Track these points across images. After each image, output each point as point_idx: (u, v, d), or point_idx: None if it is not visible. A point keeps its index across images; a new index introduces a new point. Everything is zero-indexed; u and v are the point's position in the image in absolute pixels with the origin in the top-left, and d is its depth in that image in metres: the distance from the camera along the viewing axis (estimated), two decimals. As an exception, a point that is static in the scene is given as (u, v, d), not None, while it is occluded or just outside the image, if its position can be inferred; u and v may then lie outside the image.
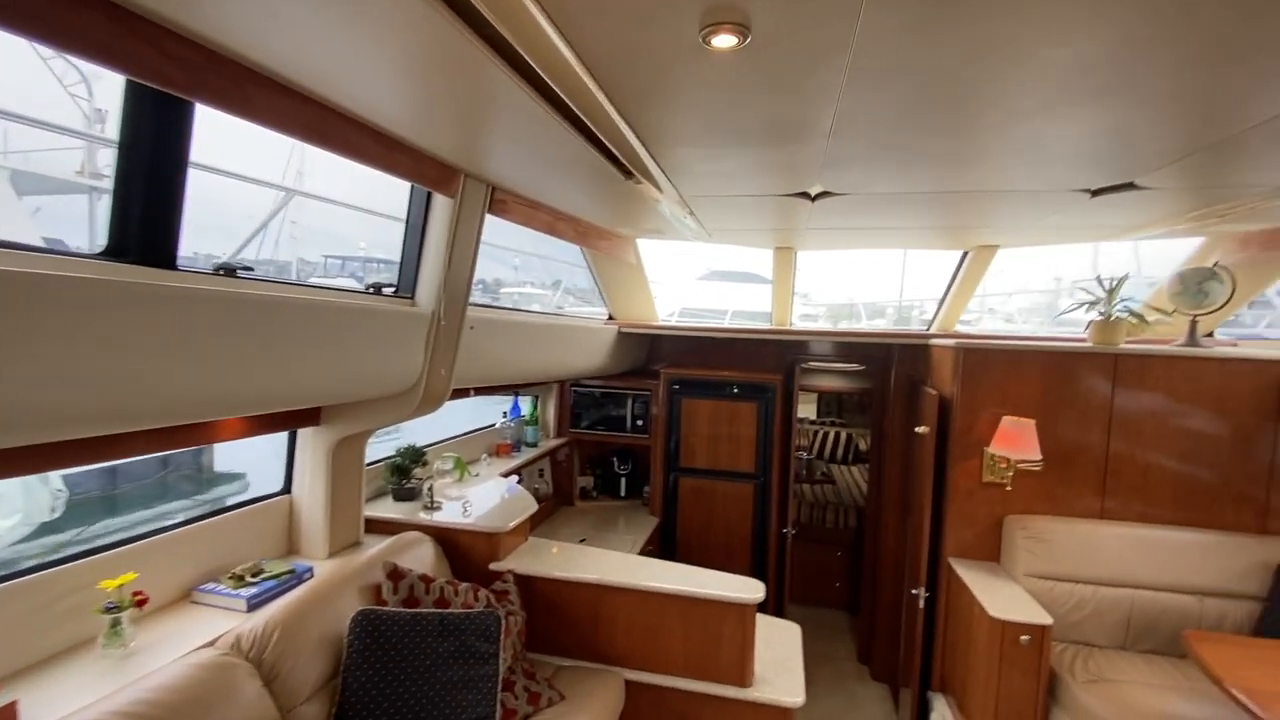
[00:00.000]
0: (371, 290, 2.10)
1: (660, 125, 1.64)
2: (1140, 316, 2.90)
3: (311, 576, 2.11)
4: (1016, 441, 2.71)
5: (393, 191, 2.17)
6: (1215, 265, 2.86)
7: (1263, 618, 2.43)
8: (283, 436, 2.33)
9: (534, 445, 3.82)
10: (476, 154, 1.88)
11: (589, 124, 1.56)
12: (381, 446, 2.82)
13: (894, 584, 3.91)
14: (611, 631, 2.33)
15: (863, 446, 6.21)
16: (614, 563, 2.48)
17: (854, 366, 5.16)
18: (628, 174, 2.05)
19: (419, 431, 2.96)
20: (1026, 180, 2.09)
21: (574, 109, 1.46)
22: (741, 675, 2.22)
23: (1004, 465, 2.84)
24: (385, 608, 1.93)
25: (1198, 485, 2.71)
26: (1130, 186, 2.05)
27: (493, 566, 2.40)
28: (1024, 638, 2.36)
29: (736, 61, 1.24)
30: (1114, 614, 2.59)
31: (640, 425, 4.02)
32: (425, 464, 2.86)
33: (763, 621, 2.47)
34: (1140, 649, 2.56)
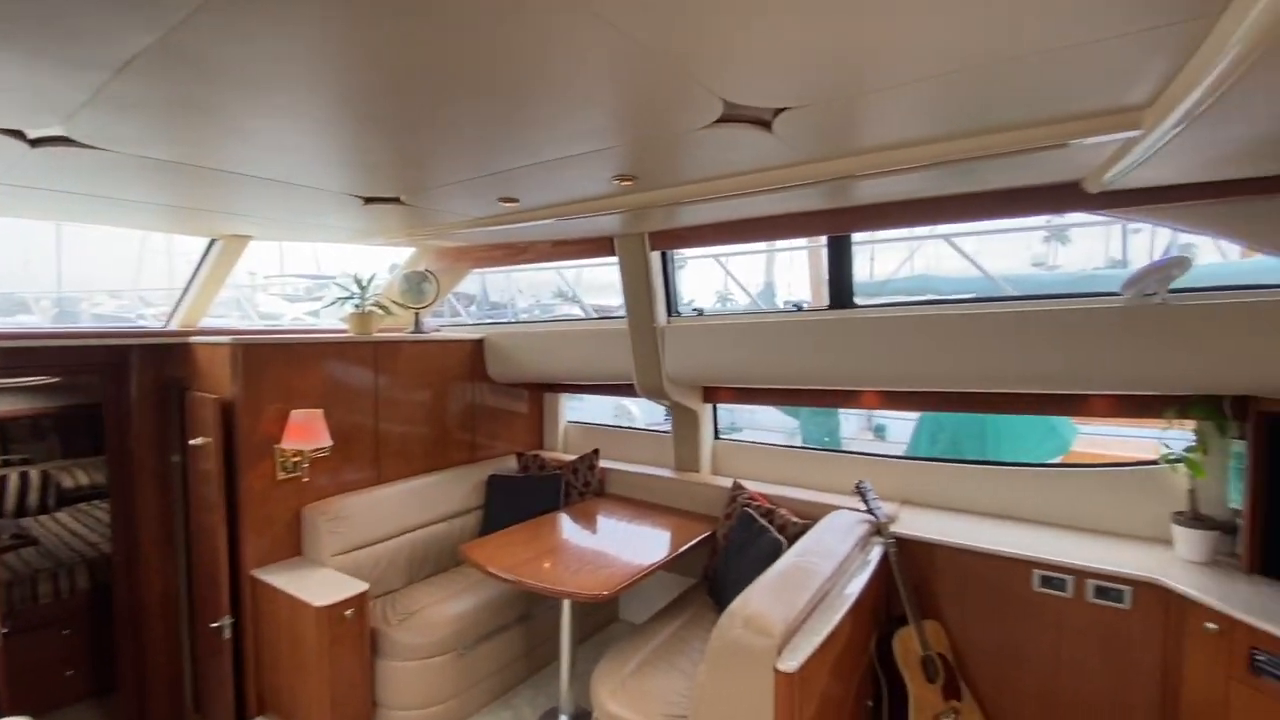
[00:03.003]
0: None
1: None
2: (386, 309, 3.48)
3: None
4: (308, 433, 2.79)
5: None
6: (426, 270, 3.75)
7: (484, 518, 3.49)
8: None
9: None
10: None
11: None
12: None
13: (171, 634, 3.27)
14: None
15: (72, 483, 4.70)
16: None
17: (33, 381, 3.86)
18: None
19: None
20: (315, 179, 2.16)
21: None
22: None
23: (298, 459, 2.86)
24: None
25: (436, 438, 3.55)
26: (397, 201, 2.45)
27: None
28: (348, 612, 2.52)
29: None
30: (401, 557, 3.10)
31: None
32: None
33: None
34: (423, 577, 3.19)
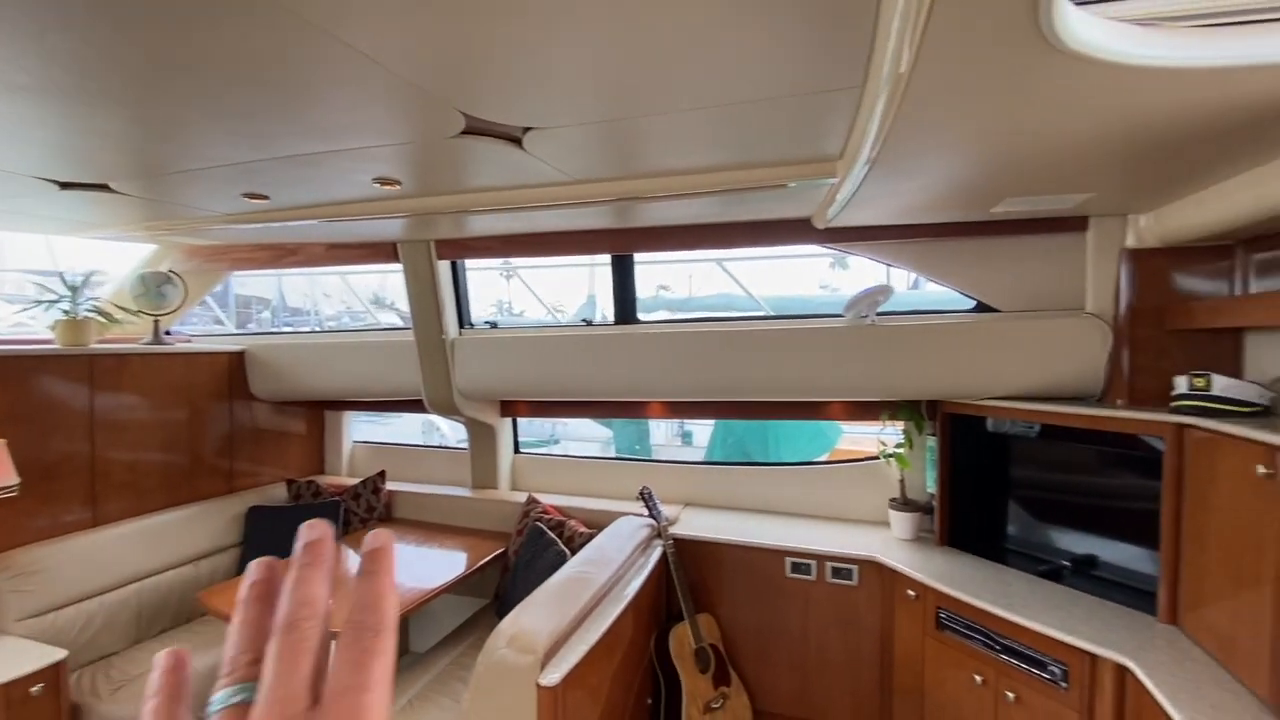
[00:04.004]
0: None
1: None
2: (109, 315, 2.91)
3: None
4: (-18, 469, 2.23)
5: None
6: (170, 271, 3.21)
7: (242, 557, 3.05)
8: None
9: None
10: None
11: None
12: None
13: None
14: None
15: None
16: None
17: None
18: None
19: None
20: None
21: None
22: None
23: (-35, 503, 2.26)
24: None
25: (180, 468, 3.04)
26: (105, 188, 2.06)
27: None
28: (35, 689, 2.04)
29: None
30: (124, 614, 2.60)
31: None
32: None
33: None
34: (155, 633, 2.69)
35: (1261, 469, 1.46)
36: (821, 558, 2.57)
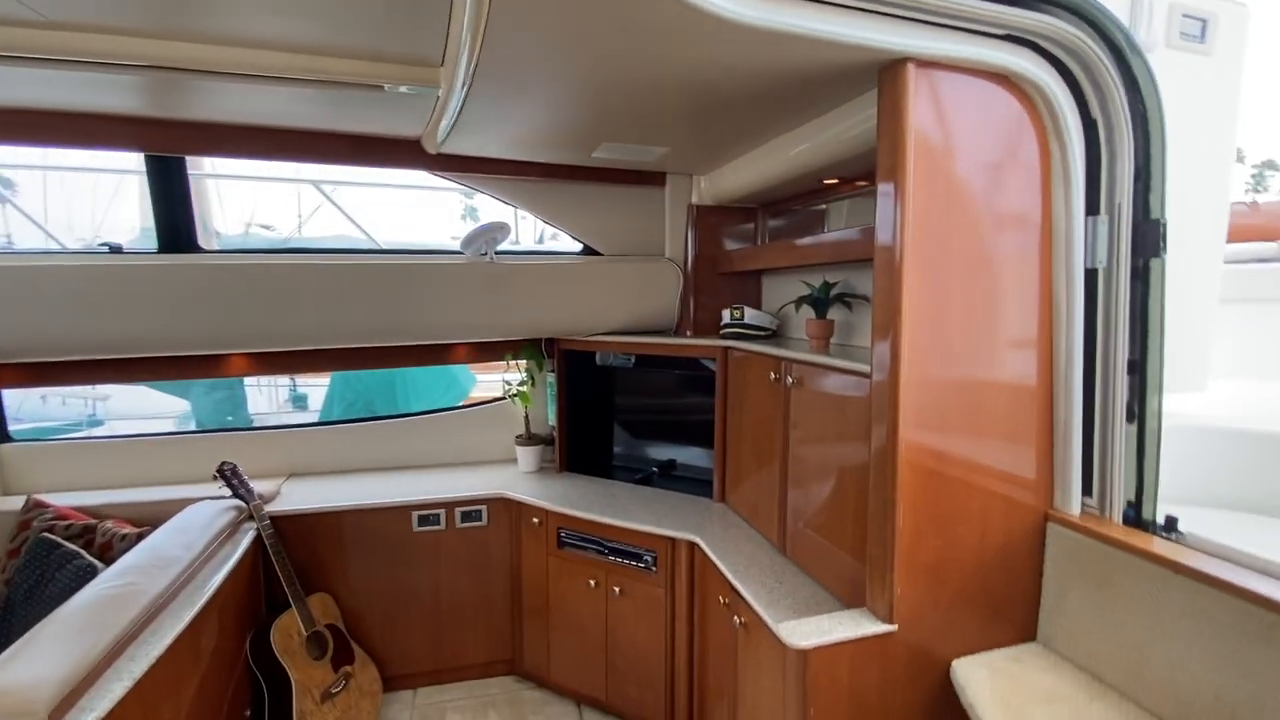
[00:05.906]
0: None
1: None
2: None
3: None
4: None
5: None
6: None
7: None
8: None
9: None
10: None
11: None
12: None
13: None
14: None
15: None
16: None
17: None
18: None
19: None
20: None
21: None
22: None
23: None
24: None
25: None
26: None
27: None
28: None
29: None
30: None
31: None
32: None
33: None
34: None
35: (772, 375, 1.93)
36: (450, 504, 2.50)
